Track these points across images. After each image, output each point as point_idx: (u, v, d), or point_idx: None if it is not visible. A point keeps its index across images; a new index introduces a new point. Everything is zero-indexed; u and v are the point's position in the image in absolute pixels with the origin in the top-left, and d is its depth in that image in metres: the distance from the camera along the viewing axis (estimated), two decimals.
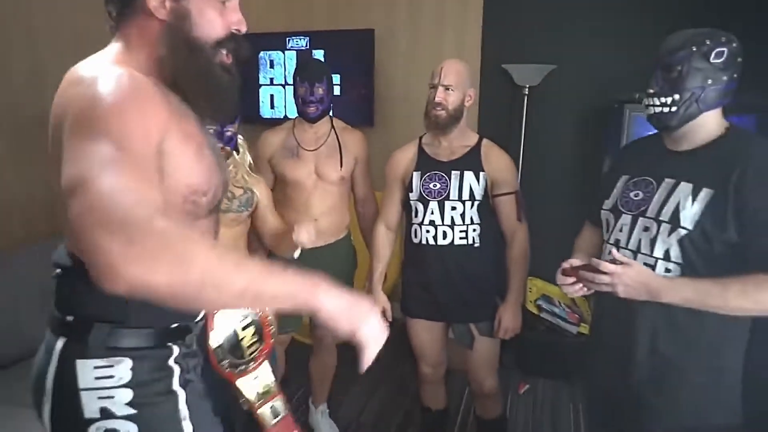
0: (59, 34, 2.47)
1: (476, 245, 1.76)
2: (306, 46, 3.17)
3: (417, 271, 1.83)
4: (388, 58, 3.11)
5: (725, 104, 1.20)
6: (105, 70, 0.81)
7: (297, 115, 2.03)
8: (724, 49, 1.14)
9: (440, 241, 1.75)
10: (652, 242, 1.21)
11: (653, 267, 1.20)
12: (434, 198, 1.74)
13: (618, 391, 1.33)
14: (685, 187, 1.17)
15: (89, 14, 2.63)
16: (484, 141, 1.79)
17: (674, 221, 1.17)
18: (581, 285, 1.24)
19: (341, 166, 2.01)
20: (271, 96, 3.29)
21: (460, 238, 1.75)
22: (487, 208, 1.76)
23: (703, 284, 1.10)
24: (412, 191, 1.79)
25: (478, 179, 1.73)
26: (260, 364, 1.12)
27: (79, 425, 0.89)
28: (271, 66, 3.28)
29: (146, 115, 0.78)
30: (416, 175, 1.78)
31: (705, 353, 1.22)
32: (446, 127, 1.71)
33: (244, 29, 0.93)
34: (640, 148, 1.38)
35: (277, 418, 1.08)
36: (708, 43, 1.14)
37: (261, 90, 3.30)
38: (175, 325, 0.95)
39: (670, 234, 1.17)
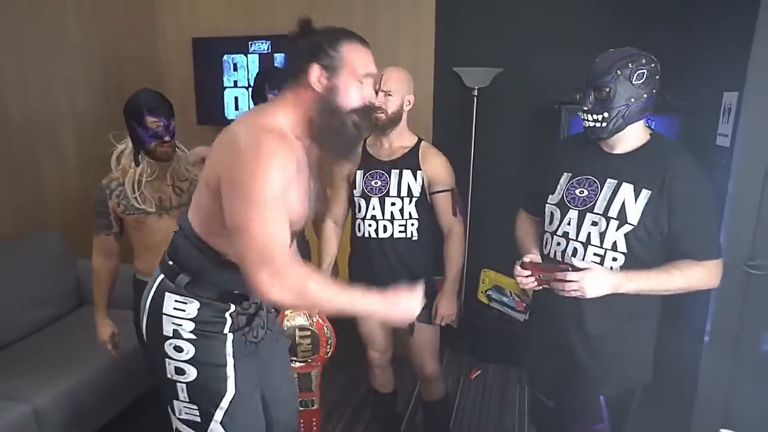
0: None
1: (414, 238, 1.90)
2: (268, 50, 3.28)
3: (361, 263, 1.96)
4: None
5: (647, 116, 1.38)
6: (258, 133, 1.12)
7: None
8: (644, 70, 1.32)
9: (381, 235, 1.89)
10: (602, 236, 1.39)
11: (602, 257, 1.39)
12: (375, 194, 1.88)
13: (556, 365, 1.53)
14: (627, 188, 1.36)
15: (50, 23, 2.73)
16: (423, 143, 1.93)
17: (622, 218, 1.36)
18: (534, 279, 1.42)
19: None
20: (236, 98, 3.40)
21: (400, 232, 1.89)
22: (424, 204, 1.89)
23: (652, 274, 1.32)
24: (356, 188, 1.92)
25: (415, 177, 1.87)
26: (306, 367, 1.42)
27: (160, 338, 1.28)
28: (235, 69, 3.38)
29: (283, 174, 1.11)
30: (359, 173, 1.91)
31: (627, 325, 1.43)
32: (385, 129, 1.85)
33: (374, 102, 1.28)
34: (578, 147, 1.53)
35: None
36: (630, 66, 1.31)
37: (226, 92, 3.40)
38: (236, 291, 1.30)
39: (618, 229, 1.36)
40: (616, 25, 2.67)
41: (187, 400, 1.29)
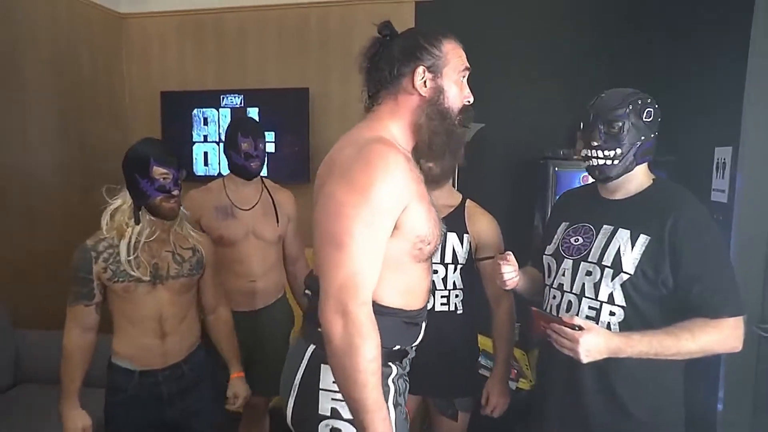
0: None
1: (459, 312, 1.68)
2: (240, 104, 3.17)
3: None
4: (322, 116, 3.14)
5: (650, 159, 1.30)
6: (370, 143, 1.03)
7: (230, 172, 1.97)
8: (651, 108, 1.26)
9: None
10: (596, 286, 1.26)
11: (598, 310, 1.25)
12: None
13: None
14: (623, 234, 1.24)
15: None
16: (468, 201, 1.73)
17: (616, 266, 1.23)
18: (517, 274, 1.36)
19: (278, 224, 1.96)
20: (205, 153, 3.24)
21: (442, 304, 1.65)
22: (470, 272, 1.68)
23: (657, 337, 1.16)
24: None
25: (462, 241, 1.65)
26: None
27: (314, 419, 1.08)
28: (205, 123, 3.24)
29: (399, 187, 1.01)
30: None
31: (650, 390, 1.26)
32: (439, 182, 1.63)
33: (472, 101, 1.17)
34: (577, 197, 1.47)
35: None
36: (640, 102, 1.25)
37: (195, 147, 3.24)
38: (397, 347, 1.11)
39: (613, 278, 1.23)
40: (600, 80, 2.68)
41: None
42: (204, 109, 3.23)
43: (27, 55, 2.69)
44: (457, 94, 1.13)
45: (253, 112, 3.13)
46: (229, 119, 3.16)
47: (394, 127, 1.12)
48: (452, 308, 1.67)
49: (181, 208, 1.61)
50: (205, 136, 3.23)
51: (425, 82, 1.09)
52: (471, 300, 1.71)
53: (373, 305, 1.00)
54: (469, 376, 1.77)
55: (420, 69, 1.09)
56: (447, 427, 1.77)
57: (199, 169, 3.24)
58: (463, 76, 1.15)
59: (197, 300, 1.72)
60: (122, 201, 1.56)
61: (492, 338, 1.76)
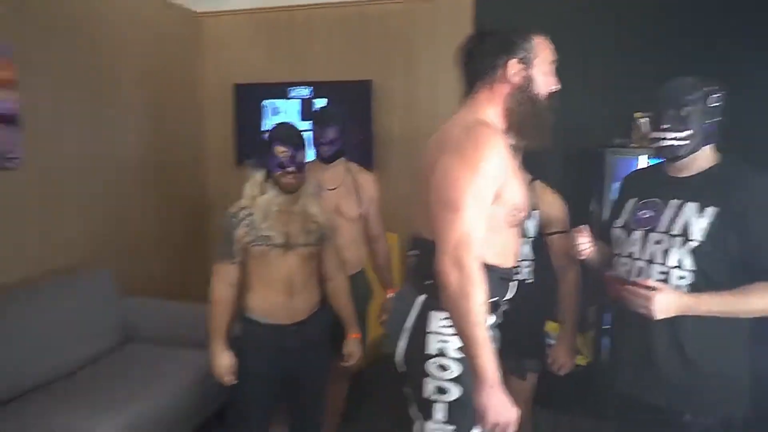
0: None
1: (529, 281, 1.86)
2: (309, 95, 3.40)
3: None
4: (386, 107, 3.35)
5: (716, 141, 1.44)
6: (475, 126, 1.22)
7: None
8: (718, 94, 1.41)
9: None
10: (666, 253, 1.41)
11: (668, 275, 1.40)
12: None
13: (642, 398, 1.48)
14: (691, 206, 1.39)
15: None
16: (537, 181, 1.92)
17: (685, 234, 1.38)
18: (592, 245, 1.55)
19: (359, 204, 2.18)
20: None
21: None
22: (539, 245, 1.88)
23: (725, 297, 1.31)
24: None
25: (532, 217, 1.83)
26: None
27: (422, 357, 1.28)
28: (274, 113, 3.49)
29: (502, 167, 1.19)
30: None
31: (717, 347, 1.39)
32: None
33: (557, 88, 1.34)
34: (645, 175, 1.62)
35: None
36: (707, 89, 1.40)
37: (264, 136, 3.49)
38: (494, 299, 1.27)
39: (682, 246, 1.37)
40: (649, 72, 2.80)
41: (444, 420, 1.27)
42: (273, 100, 3.48)
43: (120, 53, 2.98)
44: (544, 82, 1.30)
45: (322, 103, 3.36)
46: (298, 109, 3.41)
47: (490, 111, 1.29)
48: (523, 277, 1.86)
49: (311, 186, 1.83)
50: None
51: (516, 72, 1.27)
52: (540, 271, 1.90)
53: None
54: (538, 339, 1.97)
55: (512, 61, 1.27)
56: (515, 386, 1.96)
57: None
58: (550, 67, 1.32)
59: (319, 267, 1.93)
60: (257, 175, 1.80)
61: (559, 305, 1.94)
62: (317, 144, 2.14)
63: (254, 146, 3.49)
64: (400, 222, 3.09)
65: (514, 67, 1.27)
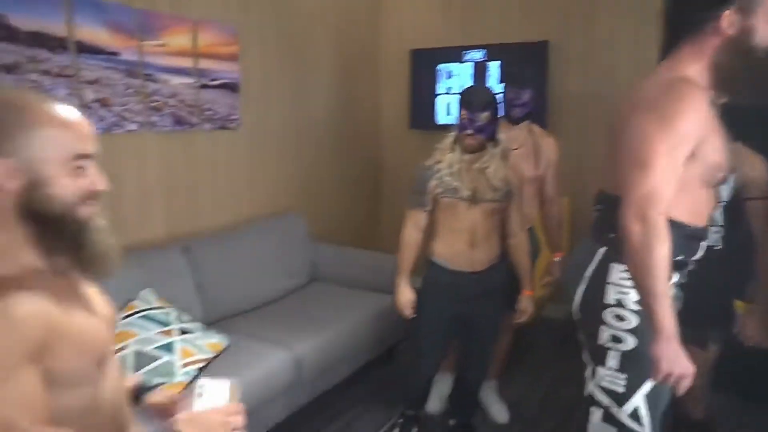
0: None
1: (717, 247, 1.76)
2: (482, 57, 3.44)
3: None
4: (562, 67, 3.24)
5: None
6: (674, 82, 1.19)
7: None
8: None
9: None
10: None
11: None
12: None
13: None
14: None
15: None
16: (738, 143, 1.74)
17: None
18: None
19: (537, 166, 2.22)
20: (447, 104, 3.61)
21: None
22: (734, 210, 1.76)
23: None
24: None
25: (728, 181, 1.72)
26: None
27: (599, 307, 1.32)
28: (448, 77, 3.60)
29: (699, 121, 1.16)
30: None
31: None
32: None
33: None
34: None
35: None
36: None
37: (438, 99, 3.64)
38: (679, 257, 1.27)
39: None
40: None
41: (617, 368, 1.32)
42: (448, 64, 3.58)
43: (314, 23, 3.32)
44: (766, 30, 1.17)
45: (495, 66, 3.37)
46: (471, 73, 3.48)
47: (695, 67, 1.22)
48: (712, 243, 1.73)
49: (499, 147, 1.92)
50: (448, 89, 3.60)
51: (732, 24, 1.17)
52: (732, 238, 1.76)
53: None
54: (725, 309, 1.84)
55: (728, 12, 1.17)
56: (693, 355, 1.86)
57: (441, 119, 3.63)
58: None
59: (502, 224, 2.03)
60: (450, 135, 1.98)
61: (756, 276, 1.78)
62: (509, 105, 2.20)
63: (425, 111, 3.69)
64: (572, 186, 3.03)
65: (729, 18, 1.17)
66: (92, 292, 0.92)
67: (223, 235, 2.67)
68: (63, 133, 0.81)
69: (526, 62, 3.23)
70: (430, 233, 2.07)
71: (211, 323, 2.38)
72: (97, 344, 0.85)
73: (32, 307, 0.74)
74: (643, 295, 1.18)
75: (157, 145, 2.50)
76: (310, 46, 3.31)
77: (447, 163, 1.93)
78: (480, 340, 2.11)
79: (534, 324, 2.79)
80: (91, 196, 0.84)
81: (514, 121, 2.22)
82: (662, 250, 1.14)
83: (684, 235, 1.26)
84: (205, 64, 2.65)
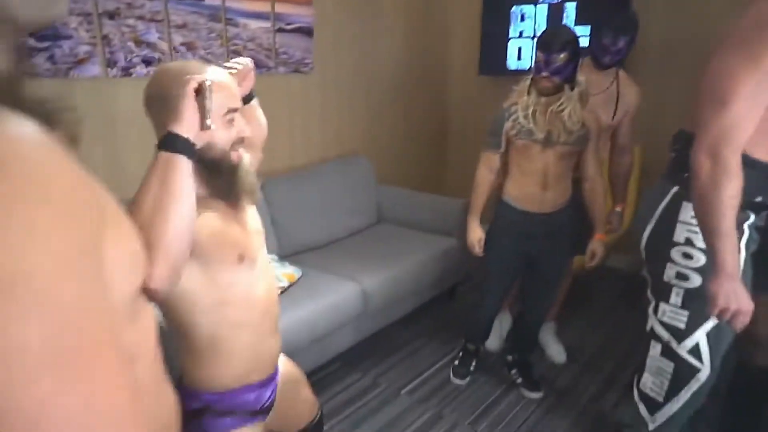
0: None
1: None
2: None
3: None
4: (645, 9, 3.06)
5: None
6: None
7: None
8: None
9: None
10: None
11: None
12: None
13: None
14: None
15: None
16: None
17: None
18: None
19: (614, 116, 2.17)
20: (519, 48, 3.52)
21: None
22: None
23: None
24: None
25: None
26: None
27: (667, 244, 1.35)
28: (522, 19, 3.49)
29: None
30: None
31: None
32: None
33: None
34: None
35: None
36: None
37: (510, 43, 3.55)
38: (758, 199, 1.28)
39: None
40: None
41: (679, 305, 1.35)
42: (522, 6, 3.47)
43: None
44: None
45: (572, 7, 3.23)
46: (545, 15, 3.35)
47: None
48: None
49: (576, 90, 1.89)
50: (521, 32, 3.50)
51: None
52: None
53: (742, 156, 1.17)
54: None
55: None
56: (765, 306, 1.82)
57: (512, 64, 3.56)
58: None
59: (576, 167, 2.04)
60: (528, 77, 1.97)
61: None
62: (603, 50, 2.13)
63: (496, 55, 3.61)
64: (647, 135, 2.93)
65: None
66: (244, 212, 1.12)
67: (296, 175, 2.83)
68: (219, 93, 0.97)
69: (603, 3, 3.09)
70: (503, 174, 2.11)
71: (284, 257, 2.57)
72: (249, 250, 1.07)
73: (200, 220, 0.98)
74: (705, 232, 1.19)
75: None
76: (378, 6, 3.31)
77: (523, 105, 1.93)
78: (543, 280, 2.17)
79: (596, 271, 2.80)
80: (239, 142, 1.04)
81: (603, 67, 2.15)
82: (730, 189, 1.13)
83: (766, 176, 1.23)
84: (281, 8, 2.73)
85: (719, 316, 1.20)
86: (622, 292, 3.15)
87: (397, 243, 2.82)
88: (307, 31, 2.88)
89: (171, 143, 0.91)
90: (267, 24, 2.69)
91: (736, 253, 1.17)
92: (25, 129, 0.38)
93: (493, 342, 2.56)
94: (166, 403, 0.68)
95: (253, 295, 1.09)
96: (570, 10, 3.25)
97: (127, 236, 0.54)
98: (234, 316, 1.06)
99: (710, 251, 1.19)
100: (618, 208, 2.33)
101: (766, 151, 1.21)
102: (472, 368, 2.38)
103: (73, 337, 0.37)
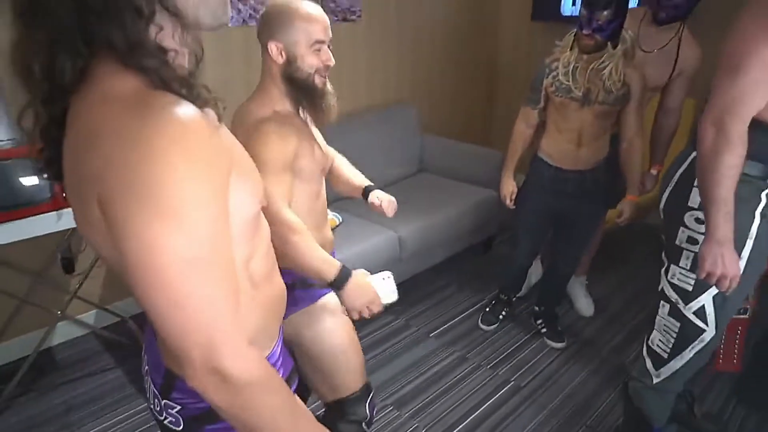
0: None
1: None
2: None
3: None
4: None
5: None
6: None
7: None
8: None
9: None
10: None
11: None
12: None
13: None
14: None
15: None
16: None
17: None
18: None
19: (668, 75, 2.09)
20: None
21: None
22: None
23: None
24: None
25: None
26: None
27: (682, 208, 1.36)
28: None
29: None
30: None
31: None
32: None
33: None
34: None
35: None
36: None
37: None
38: None
39: None
40: None
41: (688, 268, 1.37)
42: None
43: None
44: None
45: None
46: None
47: None
48: None
49: (620, 48, 1.84)
50: None
51: None
52: None
53: (759, 124, 1.18)
54: None
55: None
56: None
57: (566, 9, 3.42)
58: None
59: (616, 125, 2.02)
60: (572, 32, 1.93)
61: None
62: (658, 4, 2.02)
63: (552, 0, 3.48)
64: (703, 90, 2.79)
65: None
66: (316, 131, 1.38)
67: (341, 122, 2.91)
68: (309, 26, 1.19)
69: None
70: (542, 130, 2.12)
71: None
72: (320, 159, 1.32)
73: (286, 132, 1.21)
74: (703, 198, 1.22)
75: None
76: None
77: (564, 61, 1.92)
78: (574, 236, 2.23)
79: (632, 228, 2.80)
80: (325, 69, 1.23)
81: (660, 22, 2.05)
82: (730, 159, 1.15)
83: None
84: None
85: (707, 279, 1.25)
86: (656, 249, 3.12)
87: (436, 193, 2.91)
88: None
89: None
90: None
91: (728, 221, 1.19)
92: (190, 112, 0.60)
93: (523, 291, 2.65)
94: (277, 286, 0.89)
95: (323, 198, 1.38)
96: None
97: (249, 172, 0.78)
98: (316, 218, 1.33)
99: (705, 216, 1.23)
100: (654, 171, 2.29)
101: None
102: (501, 317, 2.51)
103: (205, 248, 0.60)
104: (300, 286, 1.32)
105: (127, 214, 0.57)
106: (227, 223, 0.64)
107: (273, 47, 1.19)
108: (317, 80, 1.22)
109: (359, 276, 1.26)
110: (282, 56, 1.20)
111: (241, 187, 0.72)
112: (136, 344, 2.28)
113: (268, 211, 0.95)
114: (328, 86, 1.26)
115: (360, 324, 2.43)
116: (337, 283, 1.22)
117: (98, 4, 0.59)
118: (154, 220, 0.56)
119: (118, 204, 0.57)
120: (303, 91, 1.22)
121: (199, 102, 0.64)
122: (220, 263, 0.62)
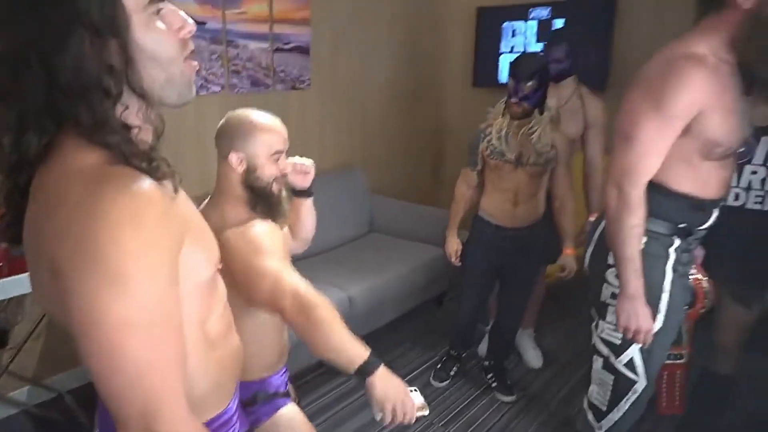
0: None
1: (757, 209, 1.77)
2: (548, 15, 3.42)
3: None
4: (629, 23, 3.17)
5: None
6: (676, 59, 1.22)
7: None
8: None
9: (731, 202, 1.75)
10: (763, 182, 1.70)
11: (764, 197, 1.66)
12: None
13: None
14: None
15: None
16: None
17: None
18: None
19: (579, 127, 2.31)
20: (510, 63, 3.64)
21: (755, 203, 1.77)
22: None
23: None
24: None
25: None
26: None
27: (603, 267, 1.45)
28: (513, 35, 3.61)
29: (694, 99, 1.20)
30: None
31: None
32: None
33: None
34: None
35: None
36: None
37: (501, 57, 3.67)
38: (682, 225, 1.36)
39: None
40: None
41: (614, 323, 1.42)
42: (513, 22, 3.59)
43: None
44: None
45: (559, 23, 3.35)
46: (535, 31, 3.48)
47: (711, 42, 1.22)
48: (750, 206, 1.77)
49: (547, 114, 2.03)
50: (512, 47, 3.62)
51: None
52: None
53: (661, 188, 1.31)
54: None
55: None
56: (735, 316, 1.91)
57: (503, 77, 3.68)
58: None
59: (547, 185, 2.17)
60: (502, 100, 2.11)
61: None
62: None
63: (488, 69, 3.74)
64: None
65: None
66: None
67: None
68: (270, 137, 1.26)
69: (590, 20, 3.20)
70: (481, 190, 2.26)
71: None
72: (285, 251, 1.37)
73: (264, 228, 1.27)
74: (614, 257, 1.34)
75: (237, 105, 2.74)
76: (377, 6, 3.45)
77: (497, 127, 2.09)
78: (515, 290, 2.32)
79: (577, 279, 2.92)
80: (282, 177, 1.31)
81: (554, 79, 2.23)
82: (631, 220, 1.28)
83: (689, 206, 1.35)
84: (279, 29, 2.90)
85: (624, 334, 1.34)
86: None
87: (386, 252, 2.97)
88: (304, 50, 3.04)
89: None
90: (265, 45, 2.86)
91: (638, 278, 1.30)
92: (146, 186, 0.63)
93: (483, 347, 2.69)
94: (234, 344, 0.91)
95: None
96: (558, 26, 3.37)
97: (204, 238, 0.81)
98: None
99: (617, 273, 1.34)
100: (592, 218, 2.43)
101: (687, 183, 1.33)
102: (452, 373, 2.53)
103: (150, 314, 0.61)
104: (262, 399, 1.32)
105: (76, 282, 0.59)
106: (175, 290, 0.65)
107: (234, 158, 1.24)
108: (275, 188, 1.29)
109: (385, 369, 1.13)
110: (242, 165, 1.25)
111: (197, 253, 0.75)
112: (73, 422, 2.15)
113: (274, 293, 1.11)
114: (284, 192, 1.34)
115: (311, 386, 2.41)
116: (369, 368, 1.08)
117: (69, 84, 0.61)
118: (101, 286, 0.58)
119: (70, 272, 0.59)
120: (261, 198, 1.28)
121: (158, 174, 0.67)
122: (166, 329, 0.63)
